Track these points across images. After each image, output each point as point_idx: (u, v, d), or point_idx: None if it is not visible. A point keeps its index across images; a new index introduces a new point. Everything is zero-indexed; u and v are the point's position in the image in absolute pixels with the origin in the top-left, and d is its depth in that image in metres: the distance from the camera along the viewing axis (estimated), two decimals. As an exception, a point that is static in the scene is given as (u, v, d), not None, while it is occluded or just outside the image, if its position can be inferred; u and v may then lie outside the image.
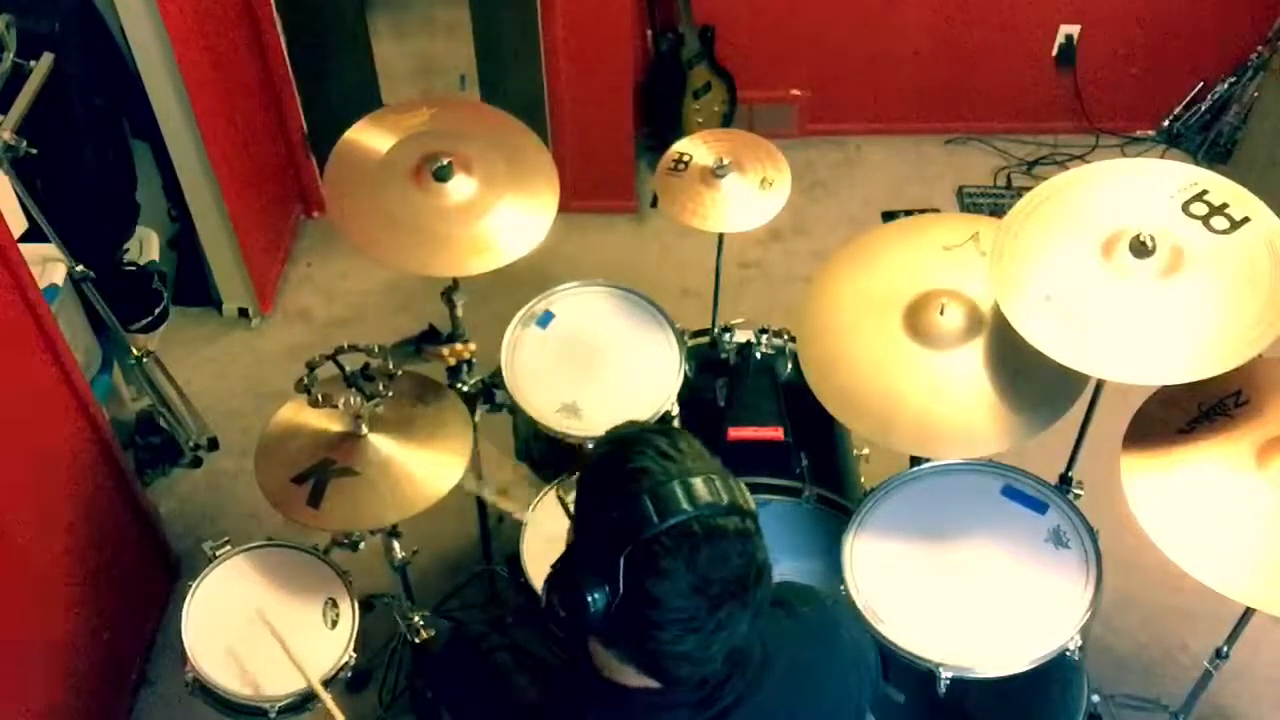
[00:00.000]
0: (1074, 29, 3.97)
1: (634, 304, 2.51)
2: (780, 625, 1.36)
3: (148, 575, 2.92)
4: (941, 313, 2.09)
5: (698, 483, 1.17)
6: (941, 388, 2.06)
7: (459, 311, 2.39)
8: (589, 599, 1.16)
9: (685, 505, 1.15)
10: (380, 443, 2.11)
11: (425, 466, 2.11)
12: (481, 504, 2.73)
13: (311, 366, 2.06)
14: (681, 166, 2.44)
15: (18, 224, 2.49)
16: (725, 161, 2.43)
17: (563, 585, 1.20)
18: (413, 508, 2.06)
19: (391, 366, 2.09)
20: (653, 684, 1.24)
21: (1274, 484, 1.84)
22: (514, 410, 2.40)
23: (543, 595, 1.24)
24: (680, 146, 2.50)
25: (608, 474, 1.21)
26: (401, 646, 2.64)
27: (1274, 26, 3.87)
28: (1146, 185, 1.96)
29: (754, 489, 2.27)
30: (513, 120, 2.41)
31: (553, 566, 1.24)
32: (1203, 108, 4.09)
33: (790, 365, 2.51)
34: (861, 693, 1.44)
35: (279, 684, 2.06)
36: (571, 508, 1.27)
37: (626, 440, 1.22)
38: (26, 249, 2.40)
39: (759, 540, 1.19)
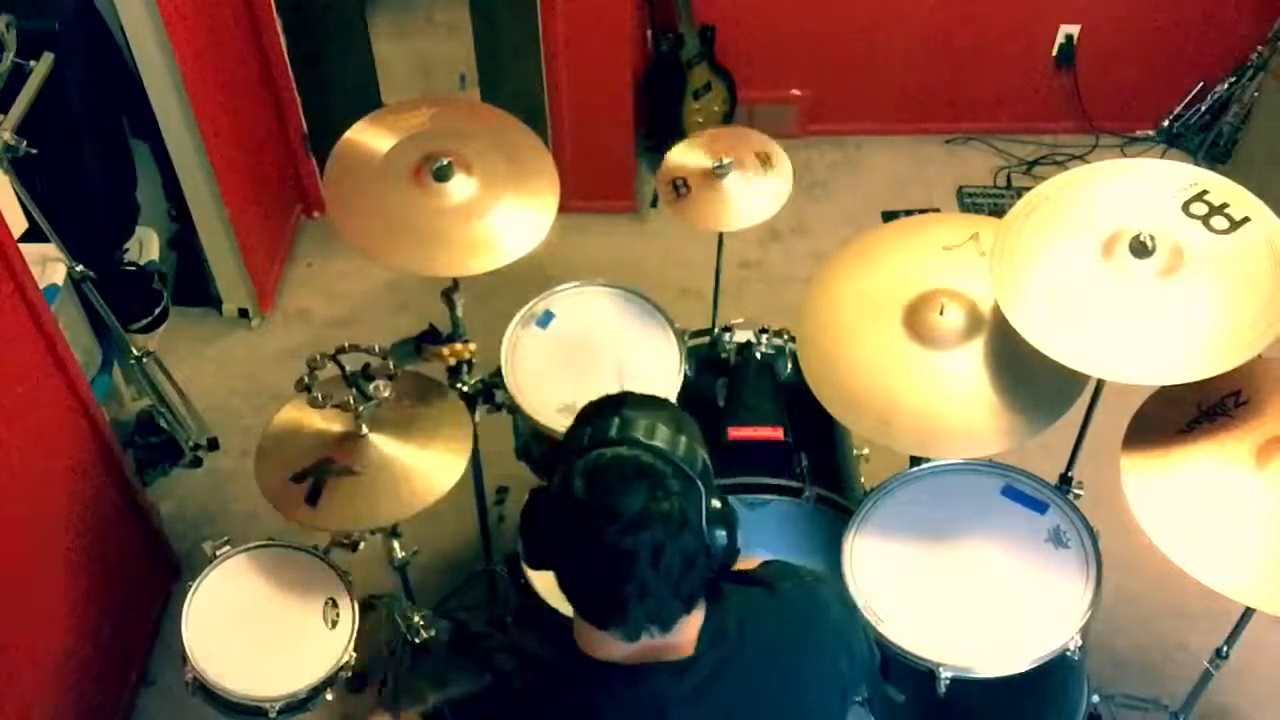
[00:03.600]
0: (1074, 29, 3.97)
1: (634, 304, 2.51)
2: (761, 602, 1.38)
3: (148, 575, 2.92)
4: (941, 313, 2.09)
5: (638, 419, 1.25)
6: (941, 388, 2.06)
7: (459, 311, 2.39)
8: (533, 496, 1.28)
9: (612, 434, 1.23)
10: (380, 442, 2.11)
11: (425, 466, 2.11)
12: (481, 504, 2.73)
13: (312, 366, 2.06)
14: (685, 189, 2.43)
15: (18, 224, 2.49)
16: (725, 161, 2.43)
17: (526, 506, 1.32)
18: (412, 508, 2.06)
19: (392, 367, 2.09)
20: (631, 657, 1.27)
21: (1274, 484, 1.84)
22: (514, 410, 2.40)
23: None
24: (675, 160, 2.48)
25: (581, 411, 1.33)
26: (401, 646, 2.64)
27: (1274, 26, 3.87)
28: (1146, 185, 1.96)
29: (754, 489, 2.31)
30: (513, 120, 2.41)
31: None
32: (1203, 108, 4.09)
33: (790, 365, 2.51)
34: (847, 676, 1.43)
35: (279, 684, 2.06)
36: None
37: (605, 397, 1.33)
38: (26, 249, 2.40)
39: (674, 489, 1.21)
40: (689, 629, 1.29)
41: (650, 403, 1.30)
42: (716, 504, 1.25)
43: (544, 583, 2.17)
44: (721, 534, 1.25)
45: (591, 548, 1.20)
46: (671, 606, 1.24)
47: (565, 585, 1.26)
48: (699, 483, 1.23)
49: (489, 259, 2.22)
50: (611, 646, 1.28)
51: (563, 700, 1.33)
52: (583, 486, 1.21)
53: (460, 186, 2.25)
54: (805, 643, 1.40)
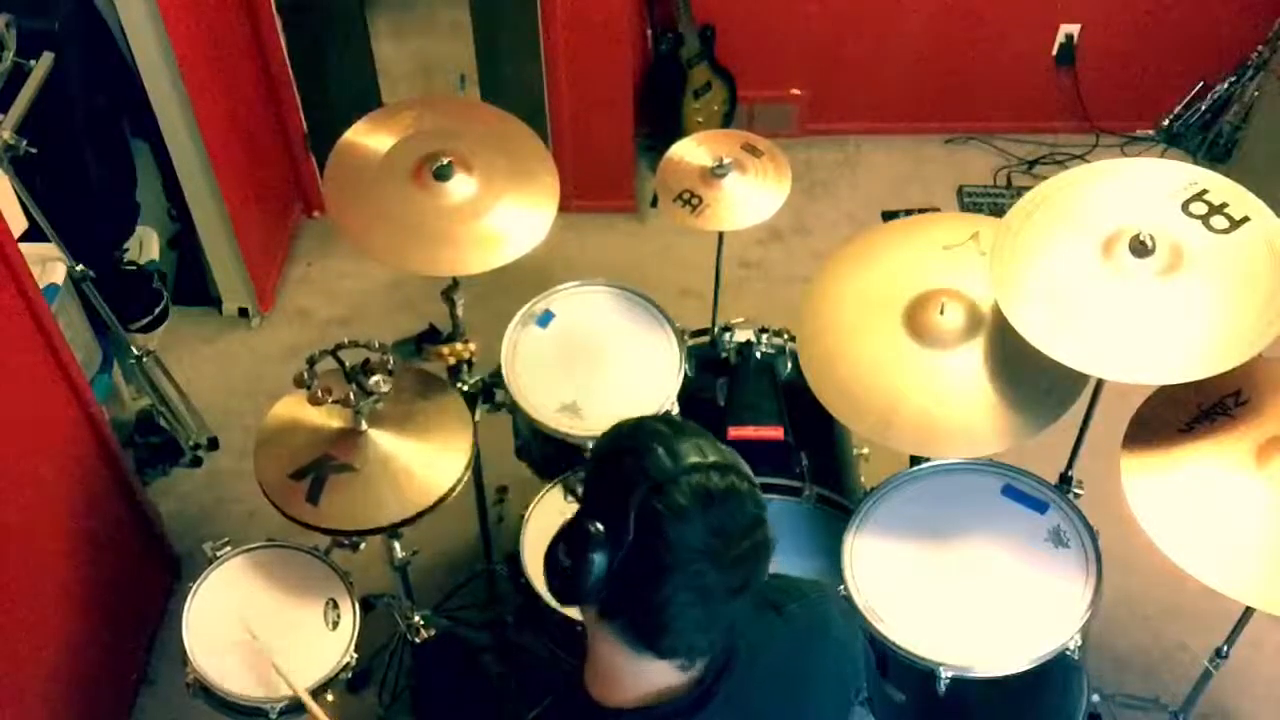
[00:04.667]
0: (1074, 29, 3.97)
1: (634, 304, 2.51)
2: (770, 626, 1.35)
3: (148, 575, 2.92)
4: (941, 312, 2.09)
5: (707, 444, 1.20)
6: (941, 388, 2.06)
7: (459, 311, 2.39)
8: (591, 530, 1.15)
9: (698, 458, 1.17)
10: (380, 439, 2.11)
11: (425, 463, 2.11)
12: (481, 504, 2.73)
13: (311, 362, 2.05)
14: (697, 201, 2.43)
15: (18, 224, 2.49)
16: (725, 161, 2.43)
17: (569, 533, 1.19)
18: (412, 505, 2.06)
19: (391, 364, 2.09)
20: (643, 699, 1.23)
21: (1274, 483, 1.84)
22: (514, 410, 2.40)
23: (547, 553, 1.23)
24: (675, 165, 2.48)
25: (621, 441, 1.22)
26: (401, 646, 2.64)
27: (1274, 26, 3.87)
28: (1146, 185, 1.96)
29: (754, 489, 2.30)
30: (513, 120, 2.41)
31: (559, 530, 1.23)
32: (1203, 107, 4.09)
33: (790, 365, 2.51)
34: (850, 684, 1.43)
35: (279, 685, 2.06)
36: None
37: (636, 421, 1.25)
38: (26, 249, 2.40)
39: (767, 518, 1.20)
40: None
41: (686, 424, 1.26)
42: None
43: (544, 583, 2.16)
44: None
45: (708, 568, 1.15)
46: (724, 634, 1.23)
47: (666, 606, 1.16)
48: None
49: (489, 258, 2.22)
50: (625, 684, 1.24)
51: None
52: (699, 507, 1.14)
53: (460, 186, 2.26)
54: (814, 669, 1.40)
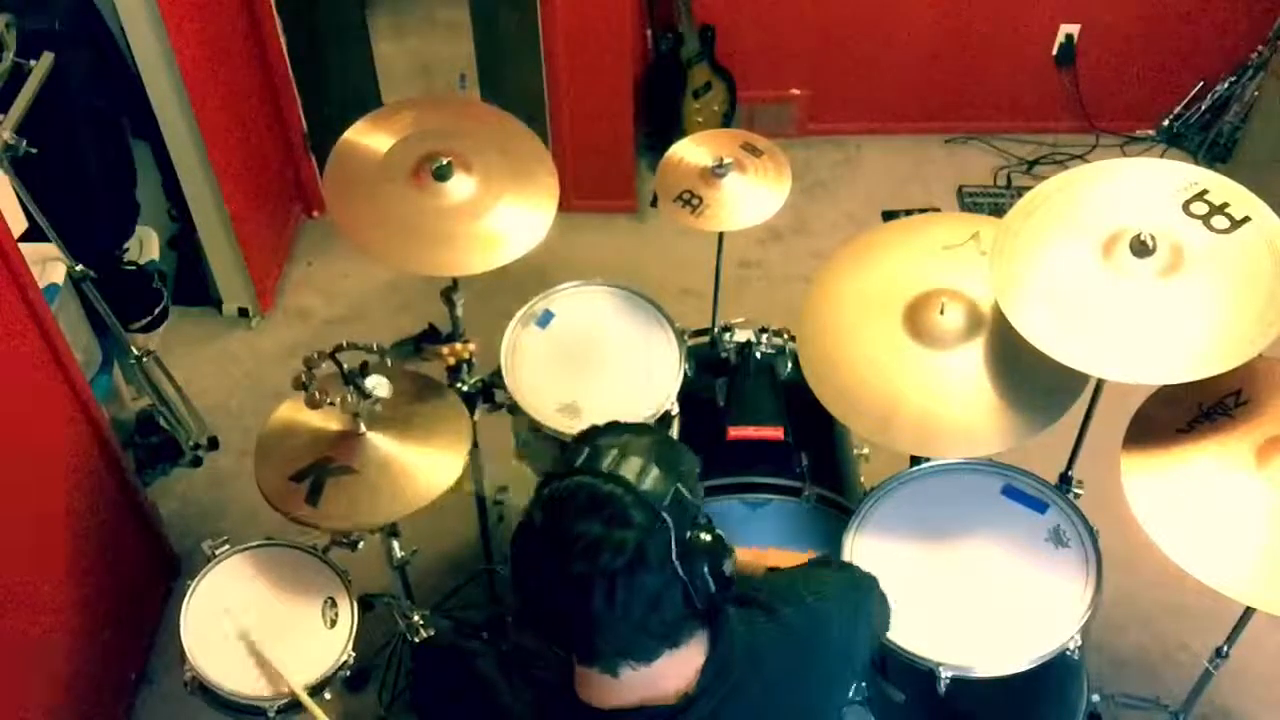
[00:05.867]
0: (1074, 29, 3.97)
1: (634, 304, 2.51)
2: (762, 630, 1.35)
3: (148, 575, 2.92)
4: (941, 313, 2.09)
5: (608, 450, 1.22)
6: (941, 388, 2.05)
7: (459, 311, 2.39)
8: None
9: (578, 462, 1.22)
10: (379, 441, 2.11)
11: (424, 464, 2.11)
12: (481, 504, 2.73)
13: (309, 364, 2.05)
14: (698, 202, 2.44)
15: (18, 224, 2.49)
16: (725, 161, 2.43)
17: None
18: (412, 506, 2.06)
19: (390, 365, 2.09)
20: (628, 702, 1.25)
21: (1274, 483, 1.84)
22: (514, 410, 2.40)
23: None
24: (675, 165, 2.48)
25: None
26: (401, 646, 2.64)
27: (1274, 26, 3.87)
28: (1146, 185, 1.96)
29: (754, 488, 2.31)
30: (513, 120, 2.41)
31: None
32: (1203, 107, 4.09)
33: (790, 365, 2.51)
34: (849, 683, 1.43)
35: (278, 683, 2.06)
36: None
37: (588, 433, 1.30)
38: (26, 249, 2.40)
39: (634, 521, 1.17)
40: (687, 664, 1.27)
41: (630, 433, 1.26)
42: (705, 537, 1.22)
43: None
44: (704, 567, 1.21)
45: (549, 575, 1.19)
46: (642, 642, 1.21)
47: (532, 617, 1.24)
48: (666, 517, 1.18)
49: (489, 258, 2.22)
50: (605, 690, 1.26)
51: None
52: (540, 513, 1.20)
53: (460, 186, 2.26)
54: (809, 670, 1.39)
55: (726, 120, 4.05)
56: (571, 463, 1.22)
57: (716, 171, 2.43)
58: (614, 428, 1.28)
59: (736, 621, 1.32)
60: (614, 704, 1.26)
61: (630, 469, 1.20)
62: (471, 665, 1.41)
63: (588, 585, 1.16)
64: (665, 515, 1.18)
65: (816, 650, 1.40)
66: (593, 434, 1.27)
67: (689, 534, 1.21)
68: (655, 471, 1.20)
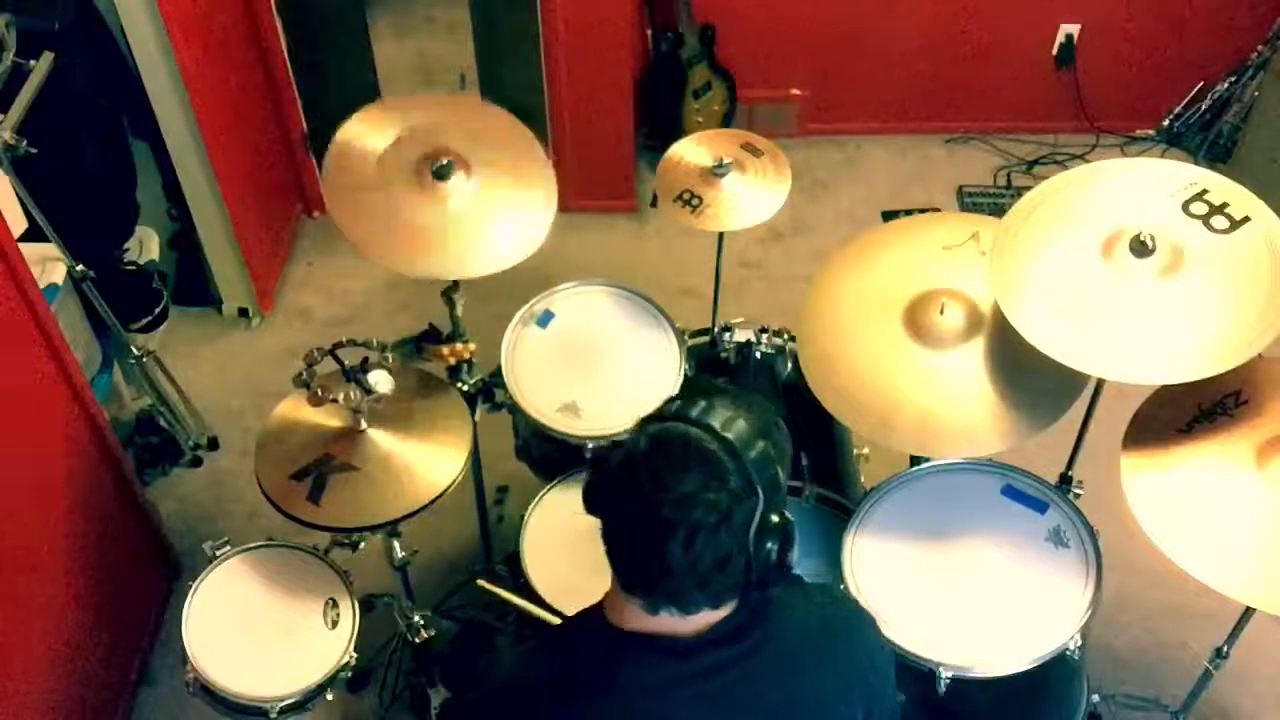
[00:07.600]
0: (1074, 29, 3.97)
1: (634, 304, 2.51)
2: (794, 604, 1.40)
3: (148, 575, 2.92)
4: (941, 312, 2.09)
5: (722, 411, 1.25)
6: (941, 388, 2.06)
7: (459, 311, 2.39)
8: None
9: (693, 414, 1.25)
10: (380, 438, 2.11)
11: (426, 460, 2.11)
12: (481, 504, 2.73)
13: (310, 362, 2.05)
14: (698, 202, 2.44)
15: (18, 224, 2.49)
16: (725, 161, 2.43)
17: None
18: (415, 503, 2.06)
19: (390, 363, 2.09)
20: (645, 629, 1.29)
21: (1273, 483, 1.84)
22: (514, 410, 2.40)
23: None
24: (675, 165, 2.48)
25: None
26: (401, 646, 2.64)
27: (1274, 26, 3.87)
28: (1146, 185, 1.96)
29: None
30: (512, 120, 2.41)
31: None
32: (1203, 107, 4.09)
33: (790, 365, 2.51)
34: (864, 703, 1.42)
35: (279, 684, 2.06)
36: None
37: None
38: (26, 249, 2.39)
39: (730, 485, 1.22)
40: (710, 616, 1.30)
41: (747, 402, 1.30)
42: (775, 519, 1.26)
43: (544, 583, 2.17)
44: (772, 548, 1.26)
45: (636, 507, 1.23)
46: (693, 596, 1.26)
47: (606, 536, 1.28)
48: (759, 490, 1.23)
49: (489, 260, 2.22)
50: (631, 615, 1.30)
51: (569, 656, 1.36)
52: (646, 448, 1.24)
53: (460, 186, 2.25)
54: (827, 659, 1.40)
55: (726, 120, 4.05)
56: (687, 410, 1.26)
57: (716, 171, 2.43)
58: (731, 392, 1.32)
59: (779, 594, 1.36)
60: (636, 628, 1.31)
61: (739, 433, 1.24)
62: (491, 636, 1.45)
63: (671, 530, 1.21)
64: (759, 489, 1.23)
65: (839, 644, 1.43)
66: (711, 390, 1.30)
67: (772, 515, 1.25)
68: (761, 445, 1.25)
